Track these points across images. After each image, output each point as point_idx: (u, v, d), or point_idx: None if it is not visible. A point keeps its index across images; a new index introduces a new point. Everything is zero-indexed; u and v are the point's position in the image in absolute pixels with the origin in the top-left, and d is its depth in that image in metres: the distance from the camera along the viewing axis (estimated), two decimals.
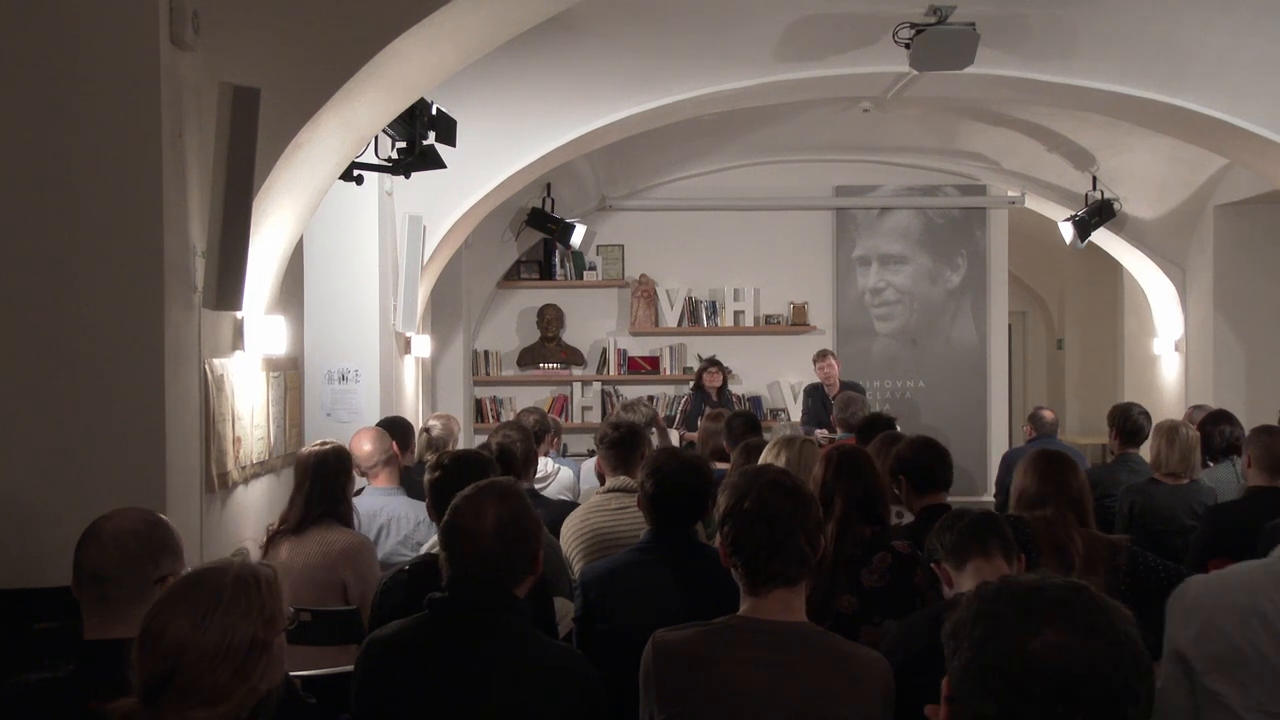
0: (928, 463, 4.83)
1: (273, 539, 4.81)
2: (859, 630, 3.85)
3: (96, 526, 3.00)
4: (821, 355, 11.11)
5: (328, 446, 4.96)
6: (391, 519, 5.51)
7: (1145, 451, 6.69)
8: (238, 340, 5.04)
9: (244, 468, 5.09)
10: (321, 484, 4.83)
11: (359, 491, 5.51)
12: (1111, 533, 6.27)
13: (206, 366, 4.63)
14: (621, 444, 5.07)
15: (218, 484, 4.75)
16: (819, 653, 2.82)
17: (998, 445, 12.50)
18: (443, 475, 4.16)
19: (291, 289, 5.82)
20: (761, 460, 5.06)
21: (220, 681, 2.32)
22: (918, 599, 3.94)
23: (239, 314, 4.98)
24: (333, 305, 7.75)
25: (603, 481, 5.91)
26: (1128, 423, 6.98)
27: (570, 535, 4.89)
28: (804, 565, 2.91)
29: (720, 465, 6.40)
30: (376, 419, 7.18)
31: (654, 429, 8.10)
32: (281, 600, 2.49)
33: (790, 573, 2.90)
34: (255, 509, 5.30)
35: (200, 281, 4.47)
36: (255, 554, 4.94)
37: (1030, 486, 4.37)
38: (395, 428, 6.49)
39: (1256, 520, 4.83)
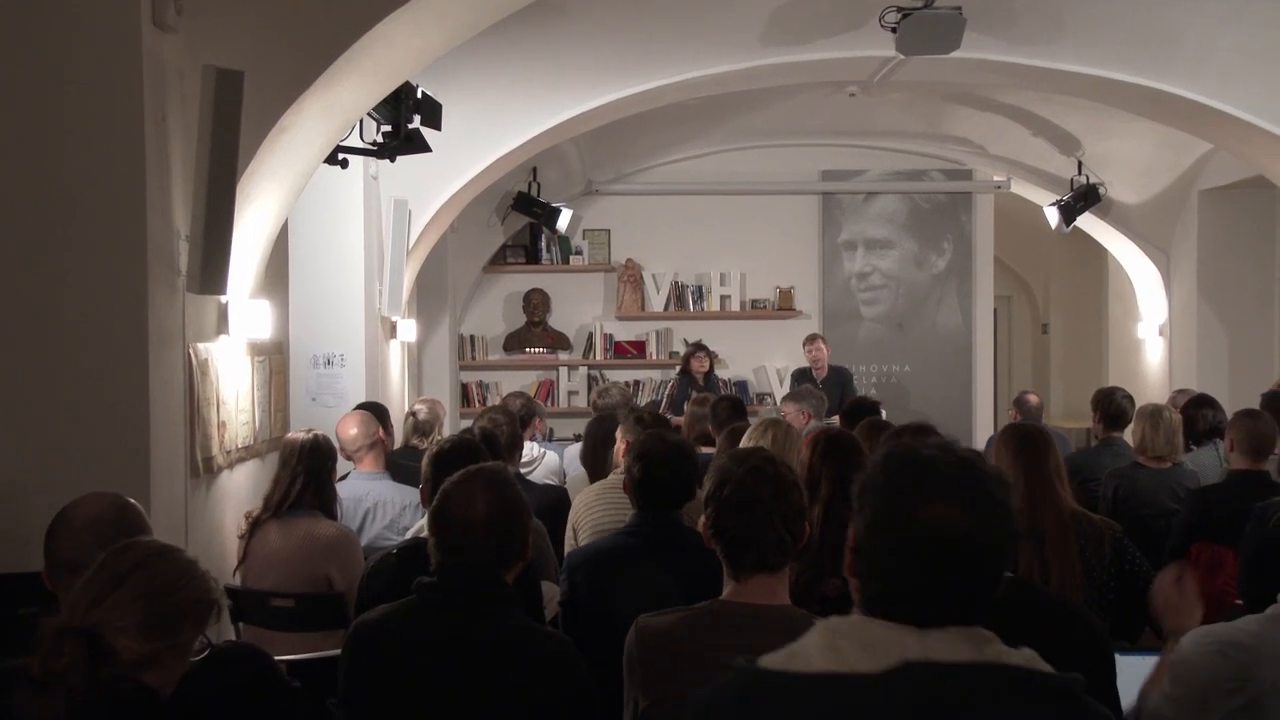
0: None
1: (256, 523, 4.80)
2: (846, 614, 3.85)
3: (66, 515, 2.99)
4: (810, 339, 11.11)
5: (314, 433, 4.96)
6: (378, 503, 5.50)
7: (1129, 435, 6.71)
8: (222, 325, 5.02)
9: (229, 452, 5.08)
10: (312, 470, 4.83)
11: (344, 476, 5.51)
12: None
13: (191, 351, 4.61)
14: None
15: (202, 469, 4.74)
16: (800, 635, 2.82)
17: (983, 429, 12.51)
18: (440, 459, 4.15)
19: (276, 273, 5.80)
20: (744, 442, 5.06)
21: None
22: None
23: (223, 298, 4.96)
24: (318, 289, 7.72)
25: (588, 467, 5.94)
26: (1111, 407, 6.99)
27: (581, 508, 4.96)
28: (783, 553, 2.92)
29: (706, 449, 6.40)
30: (362, 403, 7.16)
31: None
32: None
33: (769, 559, 2.91)
34: (240, 494, 5.29)
35: (184, 266, 4.45)
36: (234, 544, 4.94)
37: (1003, 465, 4.34)
38: (381, 413, 6.47)
39: (1239, 503, 4.83)
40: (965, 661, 1.75)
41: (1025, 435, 4.09)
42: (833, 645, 1.81)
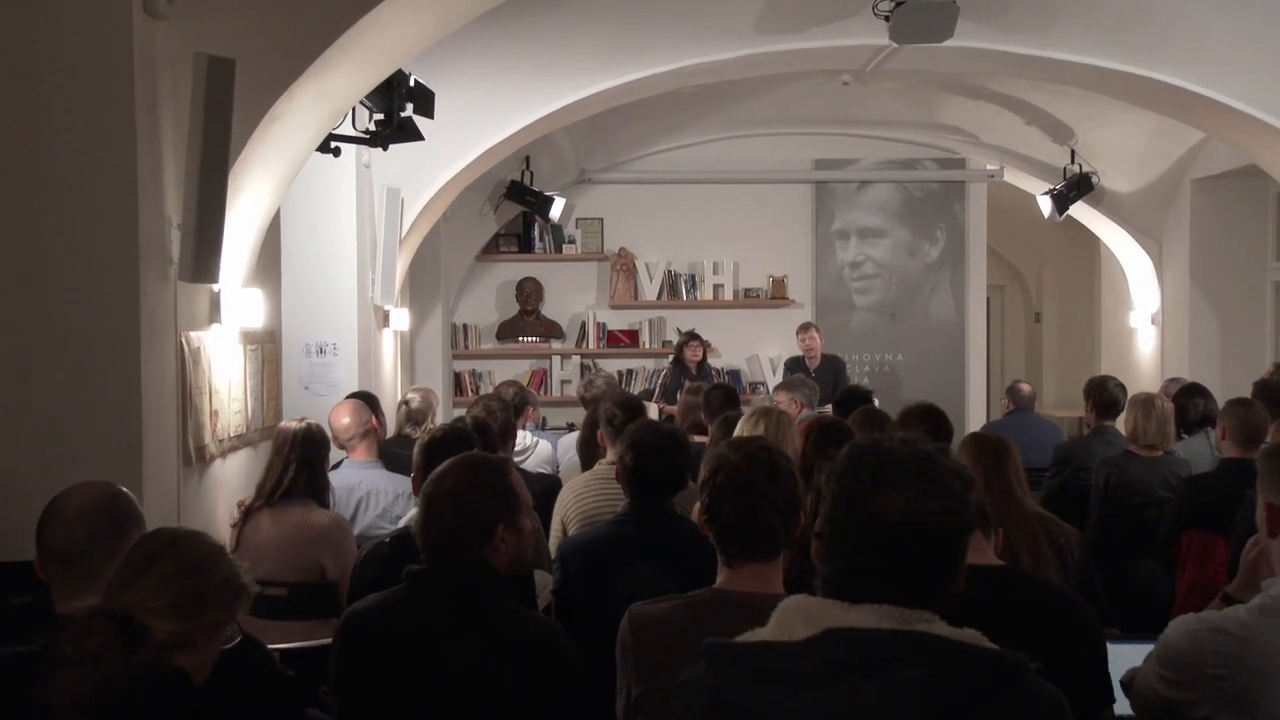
0: (933, 428, 4.85)
1: (249, 511, 4.80)
2: None
3: (57, 505, 2.98)
4: (804, 327, 11.12)
5: (307, 422, 4.96)
6: (370, 492, 5.51)
7: (1121, 424, 6.72)
8: (214, 313, 5.01)
9: (221, 441, 5.07)
10: (305, 458, 4.83)
11: (337, 465, 5.50)
12: (1087, 504, 6.34)
13: (183, 340, 4.60)
14: (630, 424, 5.05)
15: (195, 458, 4.73)
16: None
17: (976, 418, 12.54)
18: (431, 448, 4.15)
19: (269, 261, 5.79)
20: (738, 431, 5.06)
21: None
22: None
23: (215, 287, 4.95)
24: (311, 278, 7.71)
25: (582, 457, 5.94)
26: (1104, 395, 7.00)
27: (570, 500, 4.95)
28: (776, 540, 2.92)
29: (699, 438, 6.40)
30: (356, 392, 7.15)
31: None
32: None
33: (762, 547, 2.91)
34: (233, 483, 5.28)
35: (176, 254, 4.44)
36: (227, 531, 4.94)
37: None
38: (373, 402, 6.47)
39: (1230, 491, 4.85)
40: (886, 629, 1.85)
41: (985, 441, 4.11)
42: (782, 621, 1.95)
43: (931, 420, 4.92)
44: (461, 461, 3.11)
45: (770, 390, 11.52)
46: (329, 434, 5.28)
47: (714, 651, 1.96)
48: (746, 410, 7.06)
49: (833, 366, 10.94)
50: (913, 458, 1.93)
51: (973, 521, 1.96)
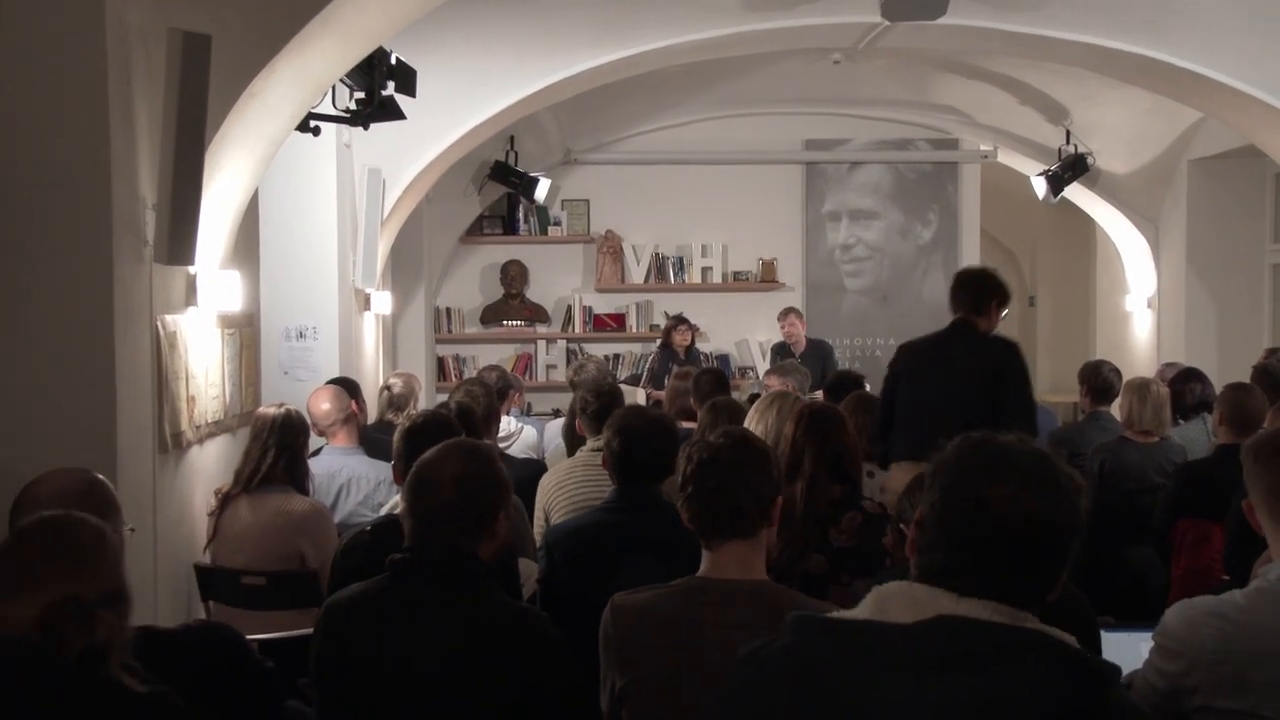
0: None
1: (227, 499, 4.79)
2: (828, 590, 3.87)
3: (31, 491, 2.97)
4: (784, 314, 11.12)
5: (286, 407, 4.96)
6: (351, 479, 5.51)
7: (1116, 410, 6.73)
8: (191, 296, 4.99)
9: (198, 427, 5.06)
10: (284, 445, 4.84)
11: (316, 452, 5.50)
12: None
13: (158, 323, 4.58)
14: (605, 412, 5.05)
15: (171, 444, 4.71)
16: (778, 610, 2.83)
17: None
18: (412, 434, 4.14)
19: (247, 243, 5.77)
20: (751, 416, 5.09)
21: None
22: (886, 558, 3.96)
23: (192, 269, 4.93)
24: (290, 260, 7.69)
25: (568, 443, 5.93)
26: (1098, 380, 7.01)
27: (552, 487, 4.94)
28: (747, 516, 2.93)
29: (687, 424, 6.40)
30: (335, 376, 7.14)
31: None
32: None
33: (738, 522, 2.92)
34: (210, 469, 5.27)
35: (151, 235, 4.42)
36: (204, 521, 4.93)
37: None
38: (353, 388, 6.46)
39: (1226, 478, 4.85)
40: (998, 622, 1.84)
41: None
42: (880, 605, 1.92)
43: None
44: (459, 448, 3.10)
45: (760, 375, 11.53)
46: (309, 420, 5.28)
47: (807, 625, 1.94)
48: (736, 396, 7.08)
49: (820, 351, 10.93)
50: (1028, 454, 1.92)
51: (1082, 526, 1.92)
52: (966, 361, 5.76)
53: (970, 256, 12.89)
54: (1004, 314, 5.98)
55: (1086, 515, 1.92)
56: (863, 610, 1.93)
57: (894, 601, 1.91)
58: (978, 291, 5.91)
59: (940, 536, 1.91)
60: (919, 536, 1.95)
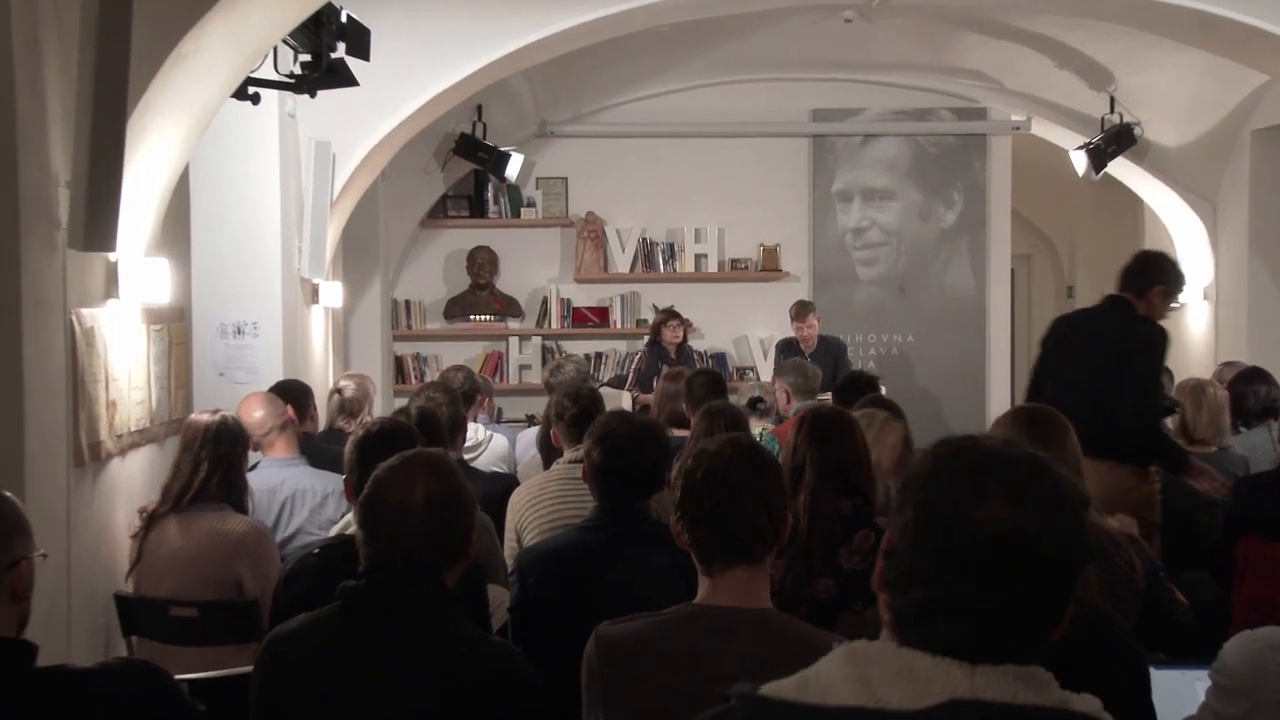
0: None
1: (153, 518, 4.76)
2: (837, 617, 3.87)
3: None
4: (801, 313, 11.05)
5: (222, 414, 4.94)
6: (296, 493, 5.51)
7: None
8: (111, 287, 4.98)
9: (120, 437, 5.04)
10: (218, 456, 4.83)
11: (253, 467, 5.48)
12: None
13: (73, 318, 4.56)
14: (584, 419, 5.04)
15: (88, 456, 4.69)
16: (784, 642, 2.84)
17: (998, 408, 12.50)
18: (366, 445, 4.12)
19: (176, 227, 5.76)
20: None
21: None
22: None
23: (112, 256, 4.92)
24: (226, 246, 7.66)
25: (544, 454, 5.92)
26: None
27: (524, 504, 4.93)
28: (760, 538, 2.93)
29: (679, 432, 6.39)
30: (279, 379, 7.13)
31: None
32: None
33: (745, 546, 2.92)
34: (133, 485, 5.25)
35: (65, 217, 4.40)
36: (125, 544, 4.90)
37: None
38: (291, 393, 6.47)
39: None
40: (1026, 705, 1.69)
41: (1035, 417, 4.04)
42: (860, 675, 1.74)
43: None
44: (423, 461, 3.09)
45: (760, 376, 11.52)
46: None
47: (759, 711, 1.77)
48: (734, 400, 7.06)
49: (831, 350, 10.93)
50: (1021, 460, 1.77)
51: (1090, 548, 1.81)
52: (1102, 341, 5.99)
53: (1000, 241, 12.91)
54: (1172, 305, 6.23)
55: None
56: (837, 682, 1.74)
57: (880, 671, 1.73)
58: (1140, 272, 6.14)
59: (915, 570, 1.75)
60: (889, 568, 1.80)
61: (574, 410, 5.26)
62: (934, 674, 1.70)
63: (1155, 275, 6.06)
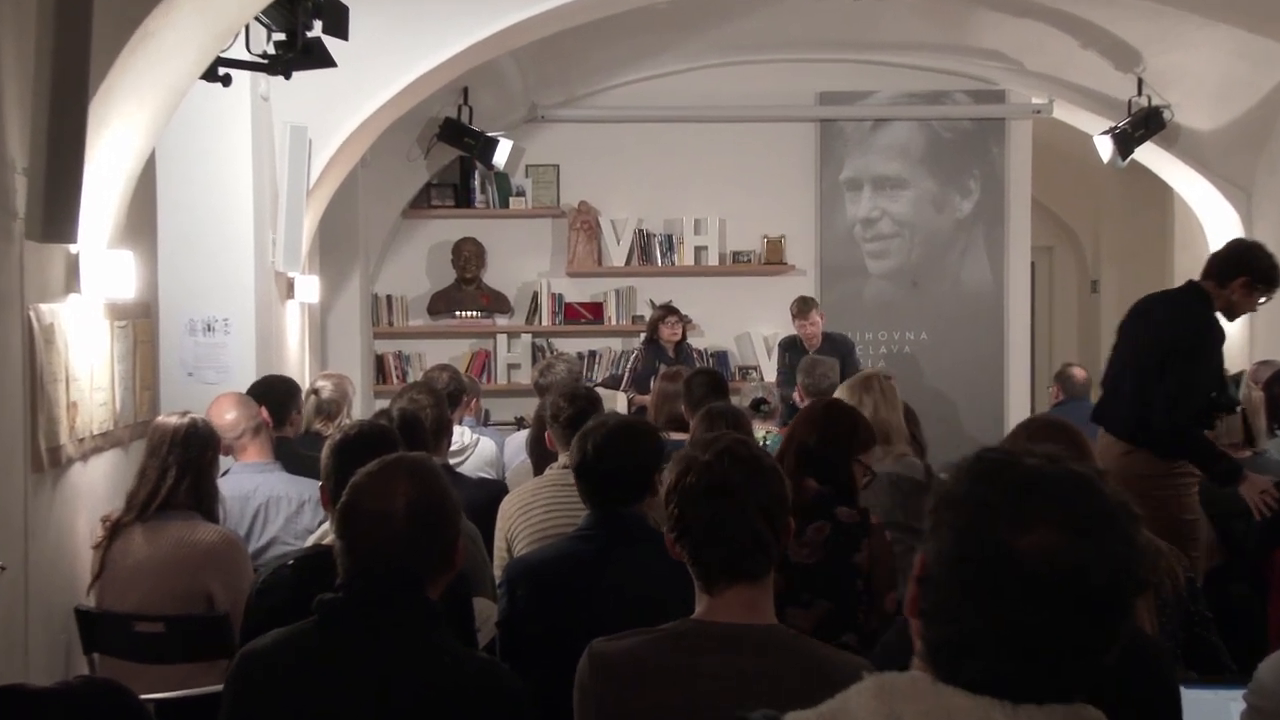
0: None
1: (117, 527, 4.75)
2: (784, 612, 3.86)
3: None
4: (803, 309, 11.04)
5: (191, 416, 4.93)
6: (270, 500, 5.50)
7: None
8: (72, 281, 4.98)
9: (81, 440, 5.04)
10: (187, 461, 4.82)
11: (224, 473, 5.47)
12: None
13: (32, 314, 4.56)
14: (581, 421, 5.02)
15: (47, 461, 4.69)
16: (790, 661, 2.83)
17: (1018, 411, 12.54)
18: (344, 449, 4.11)
19: (141, 217, 5.75)
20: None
21: None
22: (857, 580, 4.10)
23: (73, 248, 4.91)
24: (195, 238, 7.65)
25: (535, 459, 5.92)
26: None
27: (515, 512, 4.92)
28: (762, 553, 2.92)
29: (678, 435, 6.38)
30: (252, 379, 7.11)
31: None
32: None
33: (747, 564, 2.91)
34: (96, 492, 5.25)
35: (22, 207, 4.39)
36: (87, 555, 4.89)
37: None
38: (275, 391, 6.46)
39: None
40: None
41: (1050, 427, 4.04)
42: (892, 713, 1.72)
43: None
44: (405, 466, 3.09)
45: (764, 376, 11.52)
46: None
47: None
48: (736, 401, 7.06)
49: (838, 349, 10.90)
50: (1067, 480, 1.72)
51: (1146, 577, 1.75)
52: (1155, 329, 6.06)
53: (1019, 231, 12.90)
54: (1261, 300, 6.09)
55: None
56: (863, 713, 1.74)
57: (913, 711, 1.71)
58: (1226, 260, 6.15)
59: (951, 601, 1.72)
60: (922, 595, 1.77)
61: (570, 411, 5.24)
62: (973, 715, 1.68)
63: (1241, 265, 5.98)
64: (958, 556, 1.71)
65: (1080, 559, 1.66)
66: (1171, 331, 5.89)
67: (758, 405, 8.16)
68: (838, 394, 5.36)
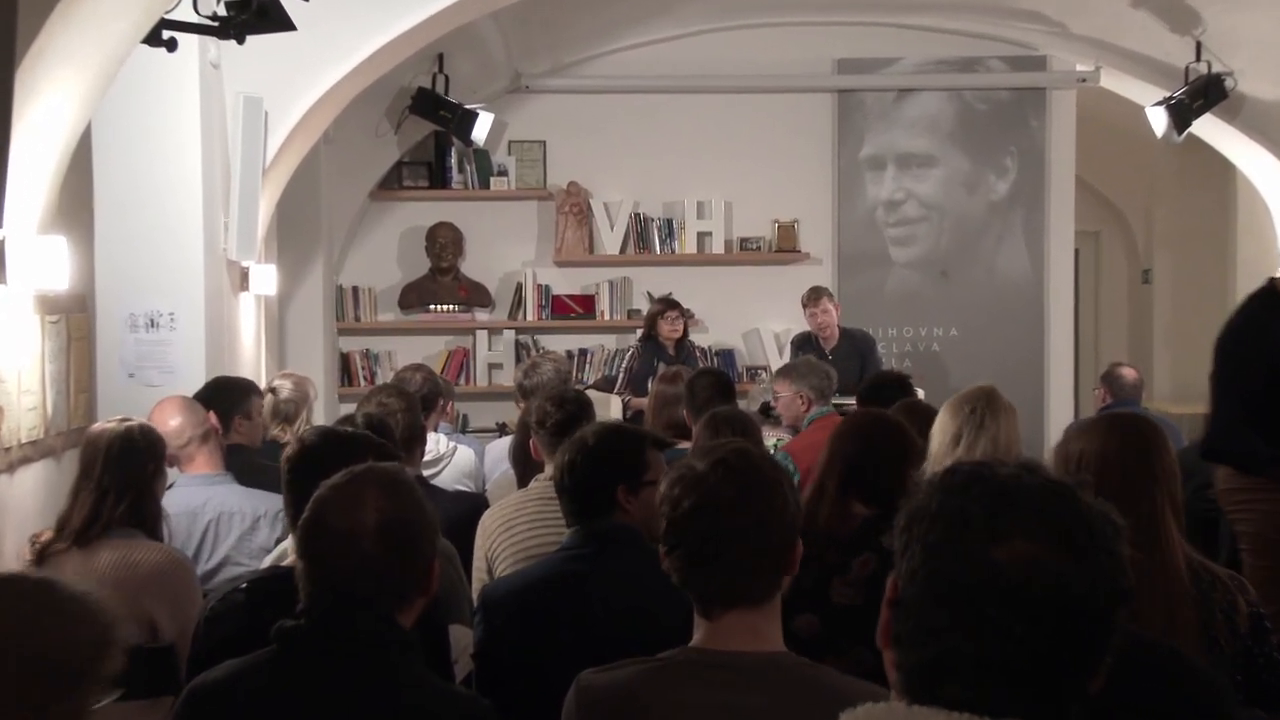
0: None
1: (46, 553, 4.73)
2: (822, 661, 3.86)
3: None
4: (813, 297, 11.07)
5: (130, 424, 4.90)
6: (221, 515, 5.48)
7: None
8: None
9: (8, 450, 5.07)
10: (123, 476, 4.78)
11: (169, 486, 5.45)
12: (1216, 535, 6.31)
13: None
14: (570, 426, 5.02)
15: None
16: (795, 693, 2.85)
17: (1059, 416, 12.55)
18: (306, 458, 4.10)
19: (76, 199, 5.76)
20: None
21: None
22: None
23: None
24: (137, 222, 7.63)
25: (519, 469, 5.92)
26: None
27: (497, 529, 4.93)
28: (764, 577, 2.93)
29: (683, 444, 6.38)
30: (200, 380, 7.10)
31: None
32: None
33: (745, 589, 2.92)
34: (24, 507, 5.26)
35: None
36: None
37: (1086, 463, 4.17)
38: (225, 393, 6.43)
39: None
40: None
41: (1129, 424, 4.00)
42: None
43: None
44: (375, 478, 3.09)
45: (771, 376, 11.52)
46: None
47: None
48: (744, 405, 7.04)
49: (858, 346, 10.94)
50: (1045, 490, 1.80)
51: (1130, 590, 1.81)
52: (1227, 334, 6.11)
53: (1062, 214, 12.90)
54: None
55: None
56: None
57: None
58: None
59: (926, 621, 1.79)
60: (896, 620, 1.84)
61: (559, 416, 5.25)
62: None
63: None
64: (931, 572, 1.79)
65: (1058, 569, 1.74)
66: (1224, 334, 5.90)
67: (767, 409, 8.16)
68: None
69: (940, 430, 5.17)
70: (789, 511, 2.98)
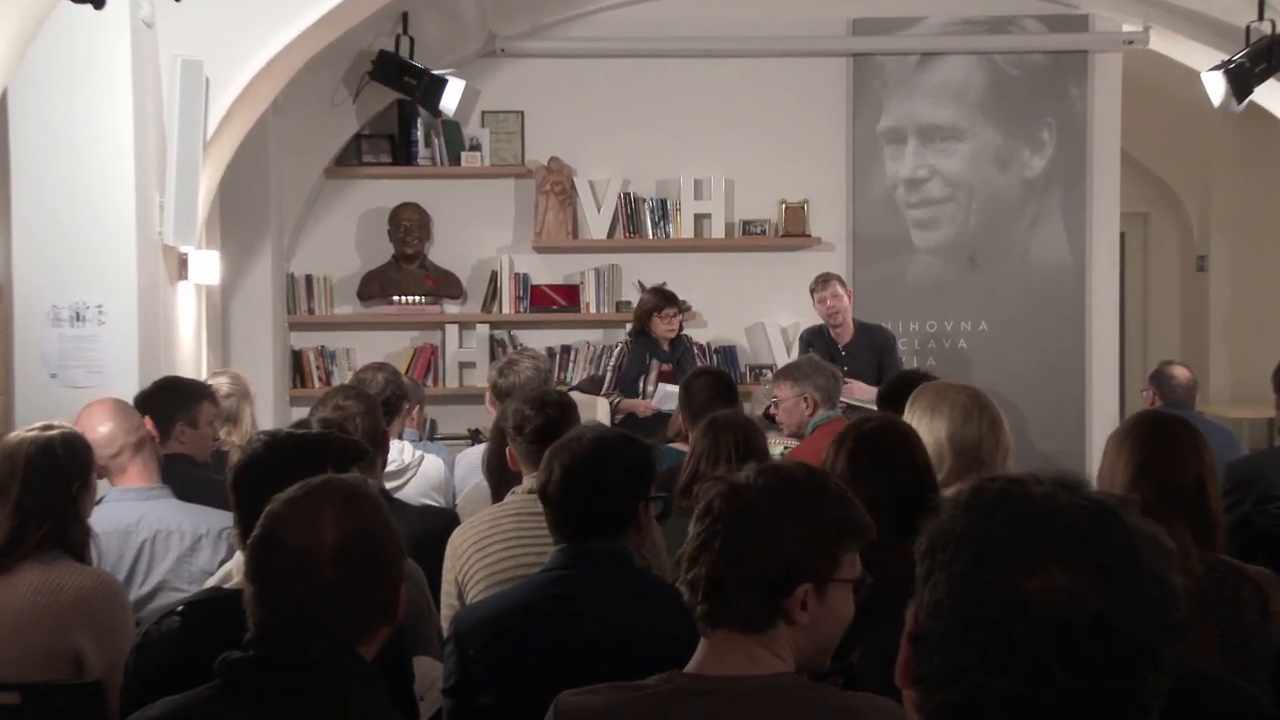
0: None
1: None
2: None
3: None
4: (822, 282, 11.06)
5: (52, 432, 4.88)
6: (157, 534, 5.48)
7: None
8: None
9: None
10: (41, 491, 4.75)
11: (98, 500, 5.43)
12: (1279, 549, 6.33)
13: None
14: (550, 433, 5.01)
15: None
16: (803, 713, 2.83)
17: (1103, 420, 12.56)
18: (253, 468, 4.09)
19: None
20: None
21: None
22: None
23: None
24: (60, 204, 7.63)
25: (493, 481, 5.92)
26: None
27: (468, 548, 4.93)
28: (770, 605, 2.95)
29: (681, 446, 6.39)
30: (133, 380, 7.10)
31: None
32: None
33: (747, 617, 2.95)
34: None
35: None
36: None
37: (1119, 468, 4.19)
38: (172, 396, 6.43)
39: None
40: None
41: (1166, 424, 4.02)
42: None
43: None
44: (334, 492, 3.10)
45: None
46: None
47: None
48: (748, 408, 7.04)
49: (874, 342, 10.94)
50: (1085, 511, 1.77)
51: (1183, 623, 1.77)
52: None
53: (1106, 194, 12.90)
54: None
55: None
56: None
57: None
58: None
59: (952, 658, 1.77)
60: (918, 658, 1.82)
61: (538, 421, 5.24)
62: None
63: None
64: (958, 604, 1.77)
65: (1101, 601, 1.71)
66: None
67: (772, 416, 8.16)
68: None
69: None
70: (811, 517, 2.98)
